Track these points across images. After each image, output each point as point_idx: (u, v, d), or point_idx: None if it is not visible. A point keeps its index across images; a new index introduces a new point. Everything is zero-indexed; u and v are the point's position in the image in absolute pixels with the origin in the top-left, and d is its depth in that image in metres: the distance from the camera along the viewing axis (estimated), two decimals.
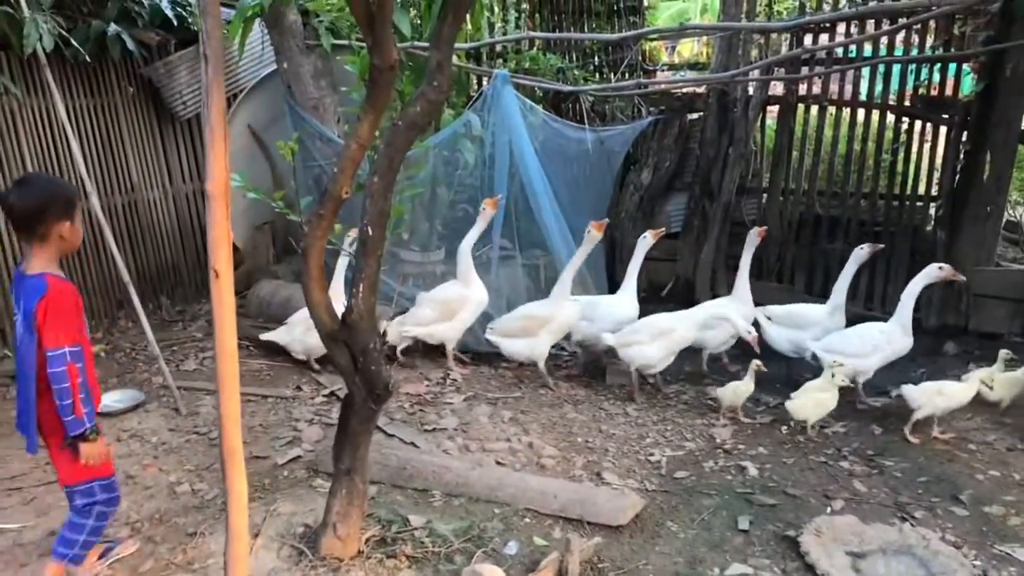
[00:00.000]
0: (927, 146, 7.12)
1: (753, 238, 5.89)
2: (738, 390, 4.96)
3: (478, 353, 6.00)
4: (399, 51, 5.20)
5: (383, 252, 2.90)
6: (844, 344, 5.15)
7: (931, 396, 4.51)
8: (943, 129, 6.96)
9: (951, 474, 4.10)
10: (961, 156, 6.79)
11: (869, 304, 7.15)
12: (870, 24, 7.09)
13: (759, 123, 7.69)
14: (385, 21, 2.42)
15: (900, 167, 7.21)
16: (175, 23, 6.49)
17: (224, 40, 6.72)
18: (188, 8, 6.55)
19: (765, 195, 7.69)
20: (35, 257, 2.88)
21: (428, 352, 5.93)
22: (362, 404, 3.05)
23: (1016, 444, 4.38)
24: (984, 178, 6.51)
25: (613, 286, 7.48)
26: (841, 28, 7.40)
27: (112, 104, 6.51)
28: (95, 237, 6.21)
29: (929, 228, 7.15)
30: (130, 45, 6.01)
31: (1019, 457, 4.24)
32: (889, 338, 5.08)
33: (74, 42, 5.51)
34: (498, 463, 4.26)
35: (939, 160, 7.05)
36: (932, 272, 5.05)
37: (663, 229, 6.06)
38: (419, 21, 5.62)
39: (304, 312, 5.99)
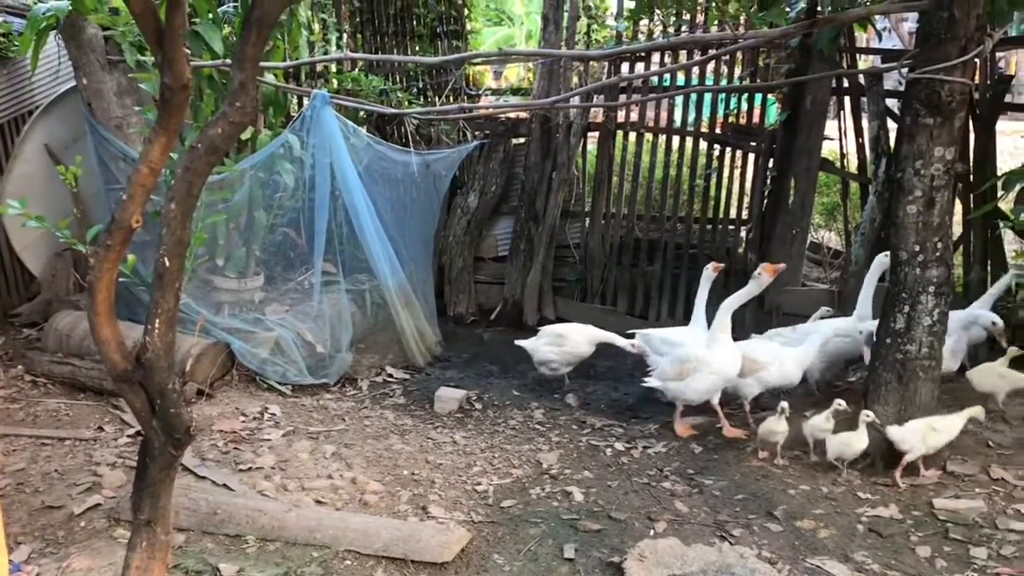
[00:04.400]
0: (738, 172, 7.47)
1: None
2: (775, 428, 4.54)
3: (299, 385, 5.75)
4: (211, 69, 4.96)
5: (182, 284, 2.69)
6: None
7: (924, 435, 4.23)
8: (751, 156, 7.34)
9: (766, 490, 4.25)
10: (768, 182, 7.16)
11: (686, 324, 7.37)
12: (683, 55, 7.40)
13: (581, 148, 7.84)
14: (176, 37, 2.24)
15: (713, 192, 7.53)
16: None
17: (16, 52, 6.20)
18: None
19: (588, 219, 7.84)
20: None
21: (244, 384, 5.63)
22: (161, 450, 2.80)
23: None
24: (790, 202, 6.89)
25: (440, 308, 7.45)
26: (656, 58, 7.67)
27: None
28: None
29: (740, 250, 7.48)
30: None
31: (826, 471, 4.44)
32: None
33: None
34: (318, 502, 4.07)
35: (749, 185, 7.41)
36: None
37: (723, 265, 5.77)
38: (235, 38, 5.37)
39: (556, 326, 6.10)
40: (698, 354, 4.99)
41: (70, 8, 5.06)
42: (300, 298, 6.43)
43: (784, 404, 4.54)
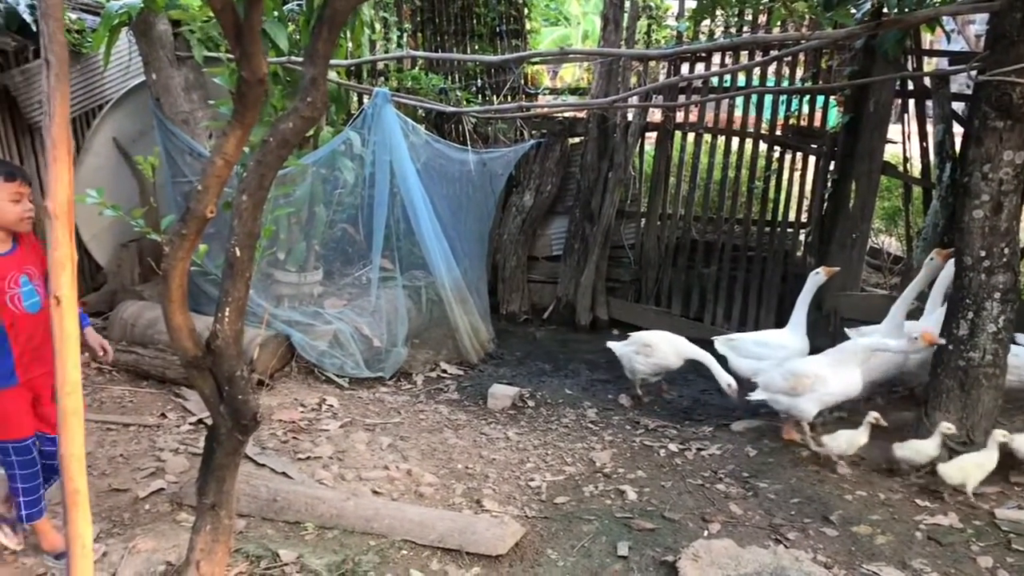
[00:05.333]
0: (797, 174, 7.39)
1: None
2: (852, 440, 4.43)
3: (356, 378, 5.84)
4: (276, 66, 5.03)
5: (252, 275, 2.76)
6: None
7: (970, 471, 4.10)
8: (812, 158, 7.25)
9: (822, 495, 4.20)
10: (828, 185, 7.08)
11: (742, 327, 7.34)
12: (744, 55, 7.34)
13: (638, 149, 7.83)
14: (254, 33, 2.30)
15: (772, 194, 7.46)
16: (34, 28, 6.10)
17: (89, 49, 6.39)
18: None
19: (643, 219, 7.82)
20: None
21: (302, 376, 5.73)
22: (228, 435, 2.88)
23: (881, 464, 4.51)
24: (850, 206, 6.79)
25: (493, 305, 7.49)
26: (716, 58, 7.63)
27: None
28: None
29: (799, 254, 7.41)
30: None
31: (883, 478, 4.38)
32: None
33: None
34: (375, 492, 4.13)
35: (808, 188, 7.33)
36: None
37: (836, 269, 5.59)
38: (298, 36, 5.47)
39: (645, 334, 5.77)
40: (819, 373, 4.71)
41: (142, 5, 5.19)
42: (357, 293, 6.52)
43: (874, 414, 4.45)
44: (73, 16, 6.37)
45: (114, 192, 6.22)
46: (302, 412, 5.16)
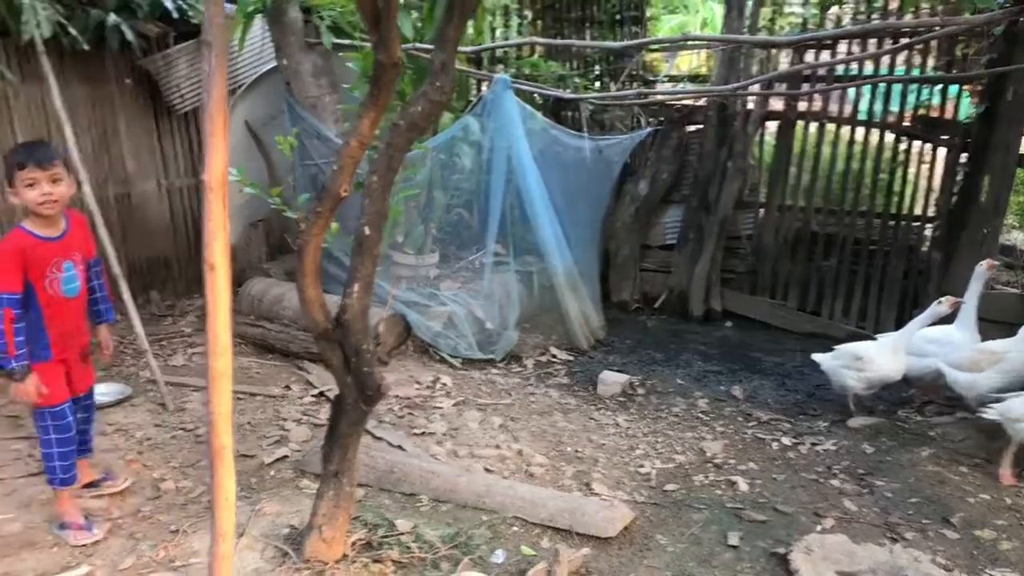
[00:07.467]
0: (925, 166, 7.12)
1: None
2: None
3: (468, 359, 5.96)
4: (402, 52, 5.18)
5: (379, 253, 2.87)
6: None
7: None
8: (941, 150, 6.97)
9: (942, 496, 4.07)
10: (959, 178, 6.80)
11: (861, 323, 7.15)
12: (871, 42, 7.10)
13: (758, 138, 7.68)
14: (391, 18, 2.39)
15: (897, 186, 7.21)
16: (175, 15, 6.43)
17: None
18: (188, 1, 6.51)
19: (762, 210, 7.68)
20: None
21: (417, 355, 5.89)
22: (353, 405, 3.01)
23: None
24: (982, 200, 6.50)
25: (604, 293, 7.50)
26: (843, 46, 7.40)
27: (108, 95, 6.45)
28: None
29: (924, 249, 7.14)
30: (129, 36, 5.95)
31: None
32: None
33: (72, 30, 5.45)
34: (486, 470, 4.22)
35: (936, 181, 7.05)
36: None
37: (997, 262, 5.37)
38: (420, 24, 5.60)
39: (854, 346, 5.33)
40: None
41: None
42: (471, 276, 6.64)
43: None
44: None
45: (245, 173, 6.52)
46: (417, 389, 5.31)
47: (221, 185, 1.79)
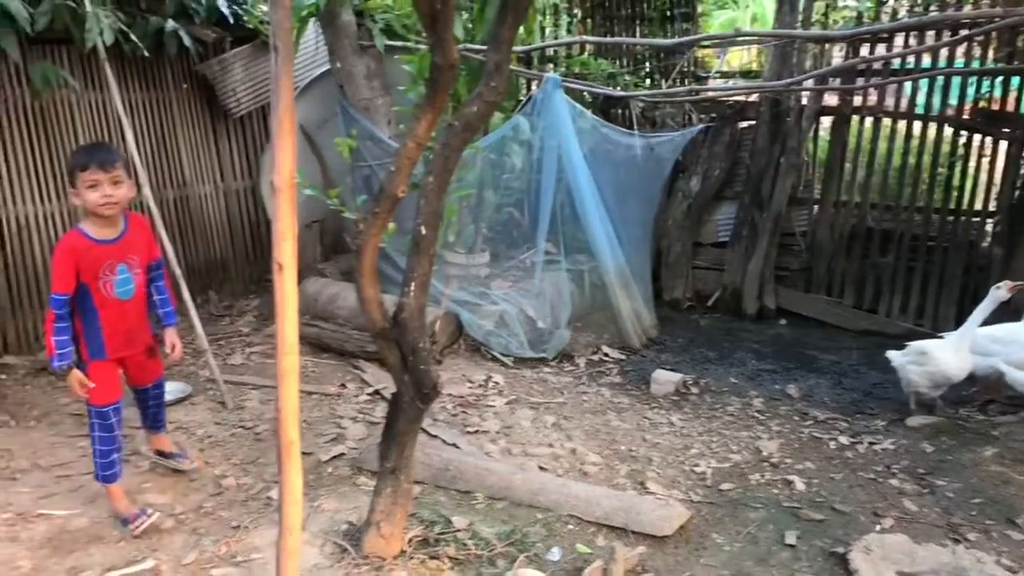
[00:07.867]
0: (985, 161, 6.96)
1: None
2: None
3: (520, 358, 5.98)
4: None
5: (435, 252, 2.90)
6: None
7: None
8: (1003, 143, 6.81)
9: (1006, 496, 3.99)
10: (1022, 172, 6.63)
11: (919, 321, 7.01)
12: (929, 35, 6.96)
13: (812, 133, 7.58)
14: (448, 20, 2.42)
15: (956, 181, 7.06)
16: (231, 21, 6.56)
17: None
18: (244, 6, 6.63)
19: (816, 206, 7.58)
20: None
21: (469, 353, 5.92)
22: (410, 403, 3.05)
23: None
24: None
25: (656, 291, 7.46)
26: (899, 39, 7.27)
27: (167, 99, 6.61)
28: None
29: (985, 244, 6.98)
30: (187, 42, 6.09)
31: None
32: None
33: (133, 37, 5.59)
34: (541, 468, 4.24)
35: (997, 175, 6.88)
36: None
37: (1021, 283, 5.06)
38: (471, 25, 5.64)
39: (922, 343, 5.23)
40: None
41: None
42: (522, 275, 6.65)
43: None
44: (266, 8, 6.79)
45: (303, 176, 6.62)
46: (470, 387, 5.34)
47: (289, 186, 1.84)
